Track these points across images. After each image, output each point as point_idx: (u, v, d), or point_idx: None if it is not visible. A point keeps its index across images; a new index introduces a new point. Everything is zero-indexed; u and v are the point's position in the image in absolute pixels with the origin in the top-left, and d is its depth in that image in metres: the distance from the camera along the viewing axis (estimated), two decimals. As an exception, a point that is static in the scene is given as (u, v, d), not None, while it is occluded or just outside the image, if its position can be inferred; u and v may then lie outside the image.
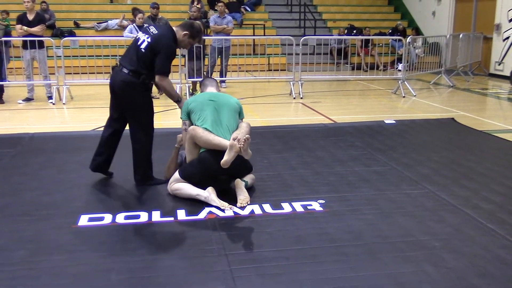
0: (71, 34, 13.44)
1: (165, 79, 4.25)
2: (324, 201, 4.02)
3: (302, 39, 10.05)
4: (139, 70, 4.21)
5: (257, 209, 3.85)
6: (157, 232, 3.51)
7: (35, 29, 8.64)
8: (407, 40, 10.47)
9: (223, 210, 3.79)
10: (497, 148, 5.90)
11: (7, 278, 2.87)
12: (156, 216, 3.74)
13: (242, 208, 3.85)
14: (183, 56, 9.43)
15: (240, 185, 4.04)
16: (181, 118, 4.34)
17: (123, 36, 9.80)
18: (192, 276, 2.90)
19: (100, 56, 9.82)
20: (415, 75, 12.01)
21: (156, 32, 4.25)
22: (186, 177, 4.06)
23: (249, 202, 3.91)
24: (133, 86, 4.22)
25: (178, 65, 9.52)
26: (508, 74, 11.99)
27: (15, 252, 3.16)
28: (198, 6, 12.20)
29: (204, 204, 3.89)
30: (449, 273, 2.92)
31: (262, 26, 15.16)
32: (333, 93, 10.56)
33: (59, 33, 13.29)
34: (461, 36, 11.68)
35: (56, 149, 5.63)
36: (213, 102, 4.21)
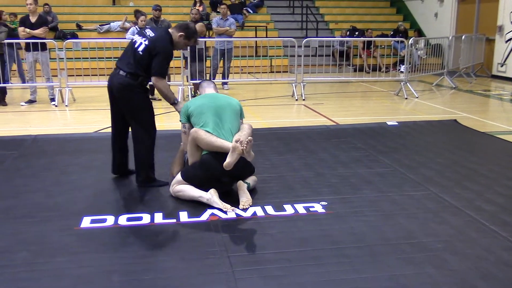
0: (74, 36, 13.47)
1: (161, 81, 4.25)
2: (326, 203, 4.01)
3: (304, 41, 10.04)
4: (137, 72, 4.23)
5: (259, 211, 3.85)
6: (159, 234, 3.51)
7: (38, 32, 8.65)
8: (409, 42, 10.46)
9: (225, 212, 3.79)
10: (500, 149, 5.89)
11: (9, 280, 2.87)
12: (159, 218, 3.75)
13: (245, 210, 3.84)
14: (185, 58, 9.44)
15: (242, 187, 4.03)
16: (180, 121, 4.32)
17: (125, 38, 9.81)
18: (194, 278, 2.90)
19: (103, 58, 9.85)
20: (417, 76, 12.00)
21: (153, 34, 4.28)
22: (188, 179, 4.06)
23: (251, 204, 3.91)
24: (131, 88, 4.23)
25: (180, 67, 9.54)
26: (511, 75, 11.97)
27: (17, 254, 3.16)
28: (199, 8, 12.22)
29: (206, 206, 3.89)
30: (452, 275, 2.92)
31: (264, 28, 15.17)
32: (335, 95, 10.55)
33: (61, 35, 13.32)
34: (463, 37, 11.67)
35: (58, 151, 5.64)
36: (214, 104, 4.19)
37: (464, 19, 14.48)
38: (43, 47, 8.78)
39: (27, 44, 8.65)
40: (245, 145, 3.72)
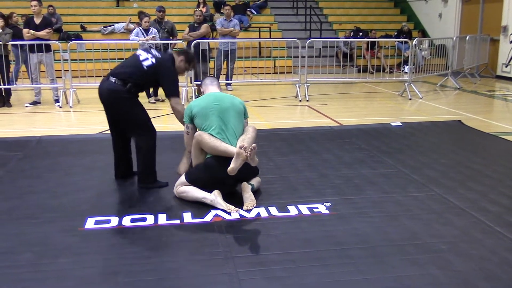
0: (78, 37, 13.51)
1: (179, 103, 4.35)
2: (330, 204, 4.01)
3: (308, 42, 10.05)
4: (128, 79, 4.26)
5: (263, 212, 3.84)
6: (163, 235, 3.51)
7: (42, 33, 8.68)
8: (414, 42, 10.44)
9: (229, 213, 3.79)
10: (504, 150, 5.87)
11: (13, 280, 2.88)
12: (162, 219, 3.75)
13: (248, 211, 3.84)
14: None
15: (246, 188, 4.03)
16: (183, 121, 4.32)
17: (129, 40, 9.83)
18: (198, 279, 2.90)
19: (107, 59, 9.85)
20: (422, 77, 11.97)
21: (159, 56, 4.42)
22: (192, 181, 4.06)
23: (255, 205, 3.91)
24: (119, 93, 4.25)
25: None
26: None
27: (21, 255, 3.17)
28: (202, 10, 12.23)
29: (210, 207, 3.90)
30: (456, 276, 2.91)
31: (268, 29, 15.17)
32: (339, 96, 10.54)
33: (66, 37, 13.36)
34: (467, 38, 11.64)
35: (62, 152, 5.65)
36: (217, 106, 4.16)
37: (468, 19, 14.45)
38: (48, 48, 8.81)
39: (31, 46, 8.68)
40: (249, 151, 3.71)
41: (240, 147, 3.74)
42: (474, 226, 3.62)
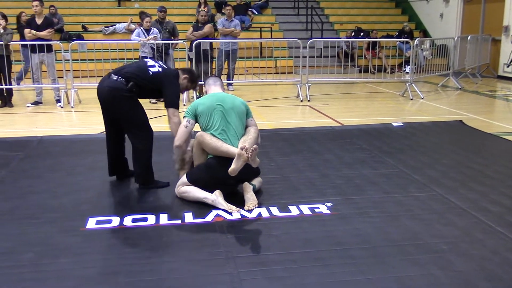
0: (79, 38, 13.51)
1: (177, 114, 4.31)
2: (331, 204, 4.01)
3: (309, 42, 10.05)
4: (131, 78, 4.25)
5: (264, 212, 3.84)
6: (165, 235, 3.51)
7: (44, 33, 8.69)
8: (415, 42, 10.43)
9: (230, 213, 3.79)
10: (506, 150, 5.86)
11: (14, 280, 2.88)
12: (164, 219, 3.75)
13: (250, 211, 3.84)
14: (190, 59, 9.46)
15: (248, 188, 4.03)
16: (185, 116, 4.22)
17: (130, 40, 9.84)
18: (199, 279, 2.90)
19: (108, 59, 9.87)
20: (423, 77, 11.97)
21: (166, 67, 4.53)
22: (193, 181, 4.06)
23: (256, 205, 3.91)
24: (119, 91, 4.23)
25: (185, 68, 9.54)
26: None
27: (23, 255, 3.18)
28: (206, 9, 12.23)
29: (211, 207, 3.90)
30: (457, 277, 2.91)
31: (269, 29, 15.18)
32: (341, 96, 10.54)
33: (67, 37, 13.37)
34: (469, 38, 11.63)
35: (64, 152, 5.66)
36: (221, 106, 4.15)
37: (470, 19, 14.44)
38: (49, 48, 8.82)
39: (33, 46, 8.69)
40: (250, 153, 3.72)
41: (241, 148, 3.74)
42: (475, 226, 3.61)
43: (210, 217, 3.75)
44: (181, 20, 14.70)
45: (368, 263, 3.06)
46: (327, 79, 11.23)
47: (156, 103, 8.89)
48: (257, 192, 4.16)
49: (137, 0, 15.98)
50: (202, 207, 3.92)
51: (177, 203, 4.07)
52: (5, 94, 8.85)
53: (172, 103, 4.32)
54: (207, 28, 9.87)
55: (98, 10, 15.66)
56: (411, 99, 9.66)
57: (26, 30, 8.72)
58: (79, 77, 9.47)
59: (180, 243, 3.39)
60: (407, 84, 10.01)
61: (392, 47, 14.45)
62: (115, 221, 3.71)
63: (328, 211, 3.88)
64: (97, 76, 9.34)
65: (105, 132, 4.61)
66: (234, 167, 3.74)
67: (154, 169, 4.46)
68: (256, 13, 16.17)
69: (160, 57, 9.49)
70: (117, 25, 14.38)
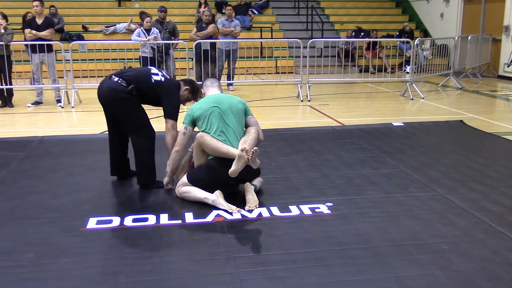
0: (80, 38, 13.51)
1: (176, 127, 4.29)
2: (332, 204, 4.01)
3: (309, 42, 10.04)
4: (132, 81, 4.24)
5: (264, 212, 3.84)
6: (165, 235, 3.51)
7: (44, 33, 8.69)
8: (415, 42, 10.43)
9: (231, 213, 3.79)
10: (506, 150, 5.86)
11: (15, 280, 2.88)
12: (164, 219, 3.75)
13: (250, 211, 3.84)
14: (191, 59, 9.46)
15: (249, 188, 4.04)
16: (183, 122, 4.25)
17: (131, 40, 9.84)
18: (200, 279, 2.90)
19: (109, 59, 9.88)
20: (423, 77, 11.96)
21: (168, 77, 4.52)
22: (194, 182, 4.06)
23: (257, 206, 3.91)
24: (119, 92, 4.22)
25: (186, 68, 9.56)
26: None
27: (23, 255, 3.18)
28: (205, 9, 12.22)
29: (212, 207, 3.90)
30: (458, 277, 2.91)
31: (270, 29, 15.17)
32: (341, 96, 10.54)
33: (67, 37, 13.36)
34: (469, 38, 11.63)
35: (64, 152, 5.66)
36: (217, 108, 4.14)
37: (470, 19, 14.43)
38: (49, 48, 8.82)
39: (33, 46, 8.69)
40: (250, 155, 3.71)
41: (242, 150, 3.73)
42: (476, 226, 3.61)
43: (210, 217, 3.75)
44: (182, 20, 14.71)
45: (369, 263, 3.06)
46: (328, 79, 11.22)
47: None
48: (258, 192, 4.16)
49: (137, 0, 15.98)
50: (203, 207, 3.92)
51: (178, 203, 4.07)
52: (5, 94, 8.86)
53: (171, 115, 4.31)
54: (211, 28, 9.86)
55: (99, 10, 15.66)
56: (412, 99, 9.66)
57: (27, 30, 8.73)
58: (79, 77, 9.47)
59: (180, 243, 3.39)
60: (408, 84, 10.01)
61: (393, 47, 14.46)
62: (116, 221, 3.71)
63: (329, 211, 3.88)
64: (98, 76, 9.36)
65: (107, 132, 4.62)
66: (234, 168, 3.74)
67: (156, 169, 4.46)
68: (257, 13, 16.17)
69: (161, 57, 9.50)
70: (117, 25, 14.38)
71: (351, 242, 3.34)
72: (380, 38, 14.30)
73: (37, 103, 9.02)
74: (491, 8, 13.65)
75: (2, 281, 2.87)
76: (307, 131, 6.70)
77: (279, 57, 13.55)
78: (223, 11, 12.85)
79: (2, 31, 8.50)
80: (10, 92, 8.94)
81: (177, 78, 9.14)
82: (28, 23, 8.87)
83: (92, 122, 7.62)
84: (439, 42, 13.15)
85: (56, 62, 9.08)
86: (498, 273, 2.94)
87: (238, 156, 3.73)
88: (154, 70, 4.46)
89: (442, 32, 14.89)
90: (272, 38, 14.71)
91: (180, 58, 10.60)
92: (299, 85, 9.85)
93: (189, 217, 3.77)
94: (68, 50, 9.25)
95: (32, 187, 4.47)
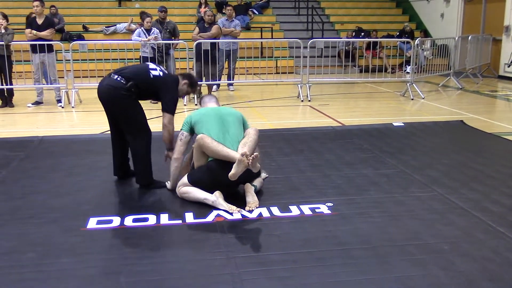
0: (80, 38, 13.52)
1: (173, 122, 4.33)
2: (332, 204, 4.01)
3: (309, 42, 10.04)
4: (131, 78, 4.26)
5: (265, 212, 3.84)
6: (165, 235, 3.51)
7: (45, 33, 8.69)
8: (416, 42, 10.43)
9: (231, 213, 3.79)
10: (507, 150, 5.86)
11: (16, 280, 2.89)
12: (164, 219, 3.75)
13: (251, 211, 3.84)
14: (191, 59, 9.45)
15: (249, 189, 4.04)
16: (181, 129, 4.28)
17: (131, 40, 9.84)
18: (200, 279, 2.90)
19: (109, 59, 9.88)
20: (424, 77, 11.97)
21: (166, 72, 4.56)
22: (194, 182, 4.06)
23: (257, 206, 3.91)
24: (118, 90, 4.23)
25: (186, 68, 9.55)
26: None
27: (24, 255, 3.18)
28: (205, 9, 12.22)
29: (212, 207, 3.90)
30: (459, 277, 2.90)
31: (270, 29, 15.17)
32: (341, 96, 10.54)
33: (68, 37, 13.37)
34: (470, 38, 11.63)
35: (65, 152, 5.66)
36: (217, 113, 4.22)
37: (471, 19, 14.43)
38: (50, 48, 8.82)
39: (34, 46, 8.70)
40: (250, 160, 3.72)
41: (242, 154, 3.73)
42: (477, 226, 3.61)
43: (211, 217, 3.75)
44: (182, 20, 14.71)
45: (369, 263, 3.06)
46: (328, 79, 11.23)
47: (156, 103, 8.87)
48: (258, 192, 4.16)
49: (137, 0, 15.99)
50: (203, 207, 3.92)
51: (178, 203, 4.07)
52: (5, 94, 8.86)
53: (169, 109, 4.33)
54: (215, 29, 9.83)
55: (99, 10, 15.67)
56: (412, 99, 9.65)
57: (27, 30, 8.73)
58: (79, 77, 9.47)
59: (181, 243, 3.39)
60: (408, 84, 10.01)
61: (393, 47, 14.45)
62: (116, 221, 3.71)
63: (329, 211, 3.88)
64: (98, 76, 9.35)
65: (109, 132, 4.63)
66: (234, 172, 3.74)
67: (154, 169, 4.46)
68: (257, 13, 16.17)
69: (161, 57, 9.49)
70: (117, 25, 14.38)
71: (352, 242, 3.34)
72: (381, 38, 14.30)
73: (37, 103, 9.03)
74: (491, 8, 13.65)
75: (3, 281, 2.87)
76: (308, 131, 6.70)
77: (279, 57, 13.55)
78: (223, 11, 12.85)
79: (3, 31, 8.50)
80: (10, 92, 8.94)
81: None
82: (29, 23, 8.87)
83: (93, 122, 7.62)
84: (439, 42, 13.14)
85: (56, 62, 9.09)
86: (499, 273, 2.94)
87: (238, 160, 3.73)
88: (152, 65, 4.49)
89: (443, 32, 14.89)
90: (272, 38, 14.71)
91: (181, 58, 10.59)
92: (299, 85, 9.85)
93: (189, 217, 3.77)
94: (68, 50, 9.25)
95: (32, 187, 4.47)
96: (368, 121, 7.48)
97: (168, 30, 9.87)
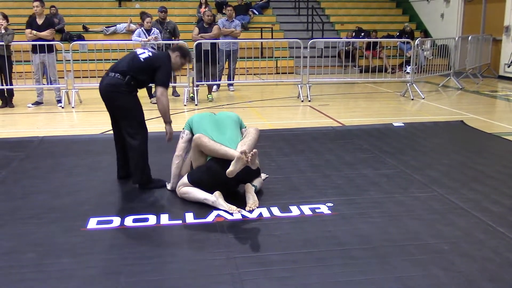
0: (80, 38, 13.52)
1: (165, 94, 4.37)
2: (332, 204, 4.01)
3: (310, 42, 10.04)
4: (126, 72, 4.32)
5: (265, 212, 3.85)
6: (166, 235, 3.52)
7: (45, 34, 8.69)
8: (416, 43, 10.43)
9: (231, 214, 3.79)
10: (507, 150, 5.86)
11: (16, 280, 2.89)
12: (165, 219, 3.75)
13: (251, 211, 3.84)
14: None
15: (249, 189, 4.04)
16: (183, 128, 4.39)
17: (131, 40, 9.84)
18: (200, 279, 2.90)
19: (109, 59, 9.84)
20: (424, 77, 11.96)
21: (155, 52, 4.64)
22: (194, 182, 4.06)
23: (257, 206, 3.91)
24: (117, 87, 4.30)
25: (186, 68, 9.55)
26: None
27: (24, 255, 3.18)
28: (205, 10, 12.22)
29: (212, 207, 3.90)
30: (459, 277, 2.91)
31: (270, 29, 15.17)
32: (341, 96, 10.54)
33: (68, 37, 13.37)
34: (470, 38, 11.63)
35: (65, 153, 5.66)
36: (213, 117, 4.37)
37: (471, 19, 14.43)
38: (50, 49, 8.82)
39: (34, 46, 8.70)
40: (249, 157, 3.72)
41: (241, 152, 3.74)
42: (477, 226, 3.61)
43: (211, 217, 3.75)
44: (182, 20, 14.70)
45: (369, 264, 3.06)
46: (328, 79, 11.23)
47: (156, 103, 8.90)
48: (258, 192, 4.16)
49: (137, 0, 15.99)
50: (203, 207, 3.92)
51: (178, 203, 4.07)
52: (6, 95, 8.86)
53: (162, 82, 4.38)
54: (216, 30, 9.81)
55: (99, 11, 15.67)
56: (412, 99, 9.65)
57: (27, 31, 8.72)
58: (80, 77, 9.47)
59: (181, 243, 3.39)
60: (408, 84, 10.01)
61: (393, 47, 14.45)
62: (116, 221, 3.71)
63: (329, 211, 3.88)
64: (98, 77, 9.34)
65: (112, 133, 4.64)
66: (232, 169, 3.74)
67: (154, 169, 4.46)
68: (257, 13, 16.17)
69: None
70: (117, 26, 14.38)
71: (352, 243, 3.34)
72: (381, 38, 14.30)
73: (37, 103, 9.02)
74: (491, 8, 13.65)
75: (3, 281, 2.87)
76: (308, 132, 6.70)
77: (279, 57, 13.55)
78: (224, 12, 12.85)
79: (3, 31, 8.50)
80: (10, 92, 8.94)
81: (176, 73, 9.19)
82: (29, 23, 8.87)
83: (93, 122, 7.62)
84: (439, 42, 13.13)
85: (56, 62, 9.09)
86: (499, 274, 2.94)
87: (237, 158, 3.73)
88: (139, 50, 4.54)
89: (443, 33, 14.89)
90: (272, 38, 14.70)
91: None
92: (299, 86, 9.85)
93: (189, 217, 3.77)
94: (68, 50, 9.25)
95: (32, 187, 4.47)
96: (368, 121, 7.48)
97: (168, 30, 9.86)
